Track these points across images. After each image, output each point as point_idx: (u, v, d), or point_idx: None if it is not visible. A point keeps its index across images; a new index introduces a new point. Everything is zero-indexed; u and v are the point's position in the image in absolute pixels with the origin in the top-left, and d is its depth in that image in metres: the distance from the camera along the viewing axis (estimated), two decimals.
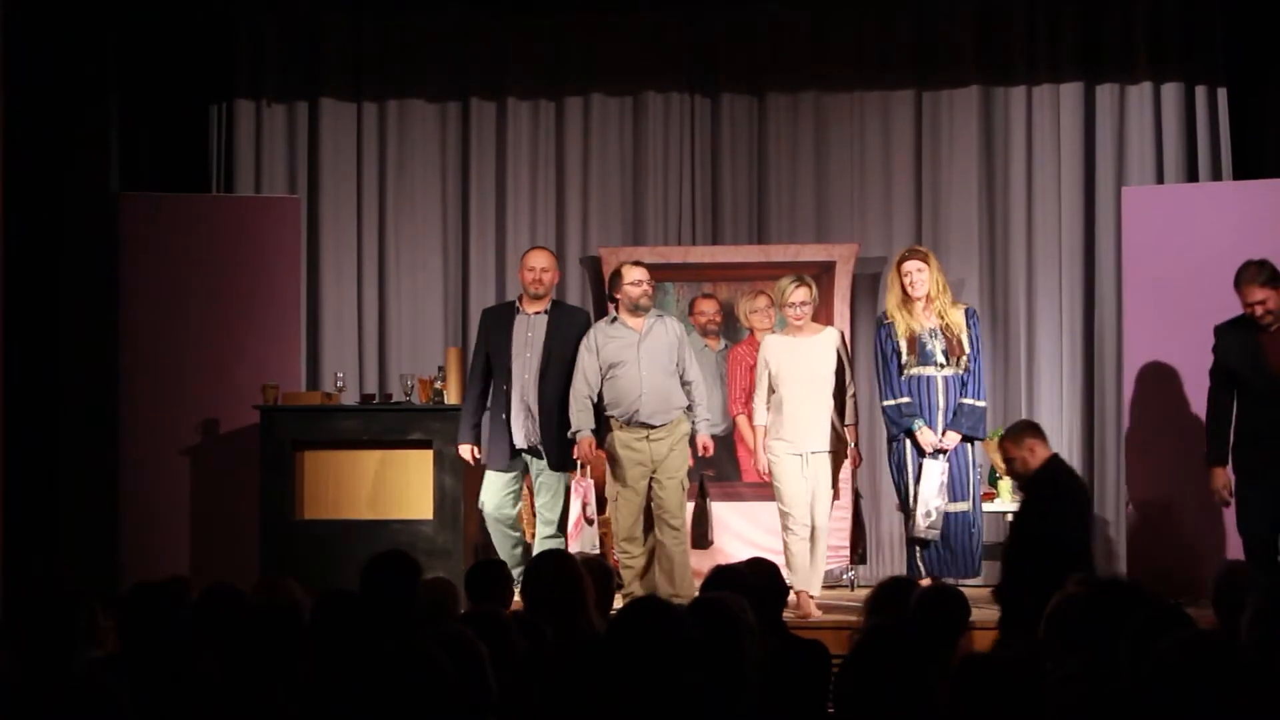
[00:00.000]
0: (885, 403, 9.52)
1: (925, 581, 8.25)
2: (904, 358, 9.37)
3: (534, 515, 9.83)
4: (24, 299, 10.05)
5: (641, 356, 9.32)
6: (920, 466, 9.26)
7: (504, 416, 9.49)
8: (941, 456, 9.21)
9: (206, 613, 5.37)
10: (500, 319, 9.73)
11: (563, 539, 9.45)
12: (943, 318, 9.37)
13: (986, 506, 9.55)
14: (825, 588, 9.87)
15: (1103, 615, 4.96)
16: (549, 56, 11.92)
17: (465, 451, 9.65)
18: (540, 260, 9.70)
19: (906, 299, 9.42)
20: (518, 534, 9.72)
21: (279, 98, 11.81)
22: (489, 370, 9.64)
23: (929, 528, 9.16)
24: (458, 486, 9.86)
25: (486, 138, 11.90)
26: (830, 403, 9.37)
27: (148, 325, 10.55)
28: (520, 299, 9.73)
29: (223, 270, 10.67)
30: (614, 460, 9.37)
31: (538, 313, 9.61)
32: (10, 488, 9.90)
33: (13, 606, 5.25)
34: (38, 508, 10.09)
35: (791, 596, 9.22)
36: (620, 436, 9.32)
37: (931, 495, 9.15)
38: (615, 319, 9.48)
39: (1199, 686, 3.99)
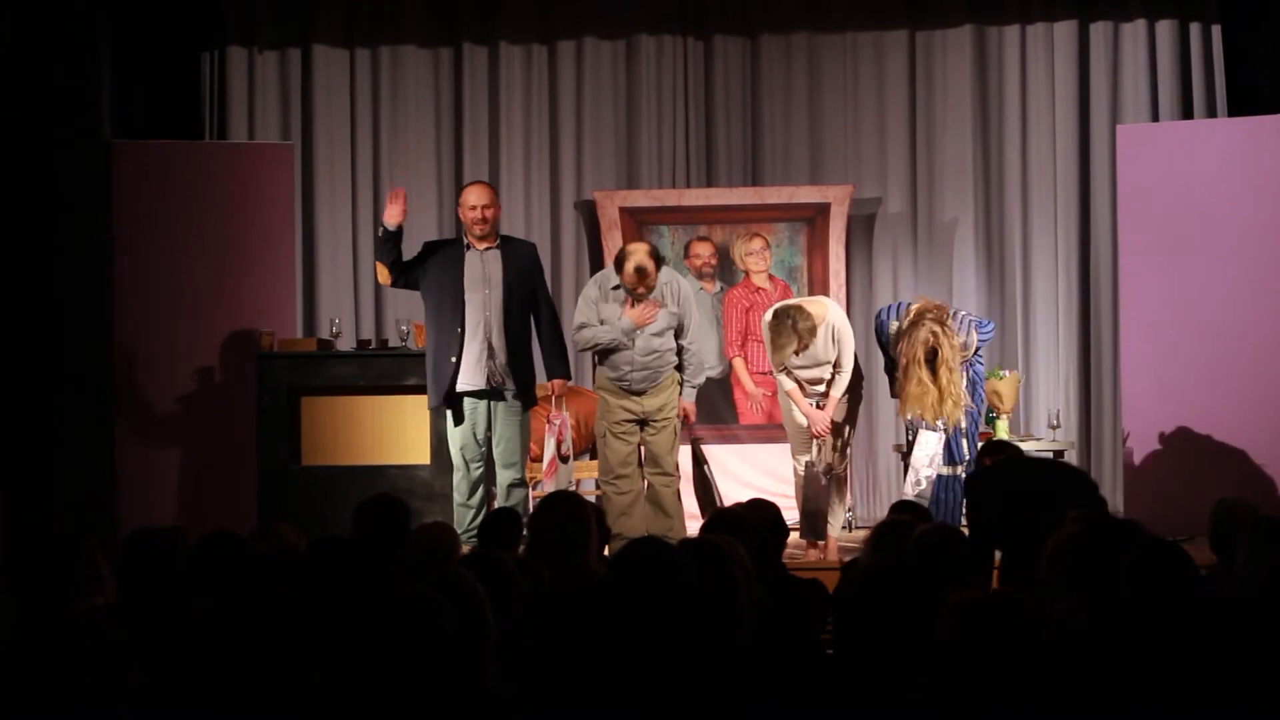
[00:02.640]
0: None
1: None
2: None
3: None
4: (17, 248, 10.04)
5: (638, 333, 8.97)
6: (917, 433, 9.23)
7: (454, 360, 9.03)
8: (938, 430, 9.11)
9: (205, 559, 5.37)
10: (448, 255, 9.22)
11: (525, 484, 9.24)
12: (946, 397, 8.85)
13: None
14: None
15: (1101, 553, 4.97)
16: (541, 1, 11.87)
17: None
18: (482, 197, 9.13)
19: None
20: (477, 497, 9.19)
21: (271, 45, 11.79)
22: (412, 277, 9.21)
23: (917, 495, 9.14)
24: None
25: (479, 83, 11.88)
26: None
27: (142, 274, 10.52)
28: (465, 236, 9.23)
29: (217, 217, 10.63)
30: (605, 405, 9.17)
31: (489, 248, 9.14)
32: (7, 438, 9.91)
33: (12, 555, 5.26)
34: (35, 458, 10.08)
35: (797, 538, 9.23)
36: (612, 388, 9.09)
37: (923, 464, 9.14)
38: (620, 286, 8.98)
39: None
